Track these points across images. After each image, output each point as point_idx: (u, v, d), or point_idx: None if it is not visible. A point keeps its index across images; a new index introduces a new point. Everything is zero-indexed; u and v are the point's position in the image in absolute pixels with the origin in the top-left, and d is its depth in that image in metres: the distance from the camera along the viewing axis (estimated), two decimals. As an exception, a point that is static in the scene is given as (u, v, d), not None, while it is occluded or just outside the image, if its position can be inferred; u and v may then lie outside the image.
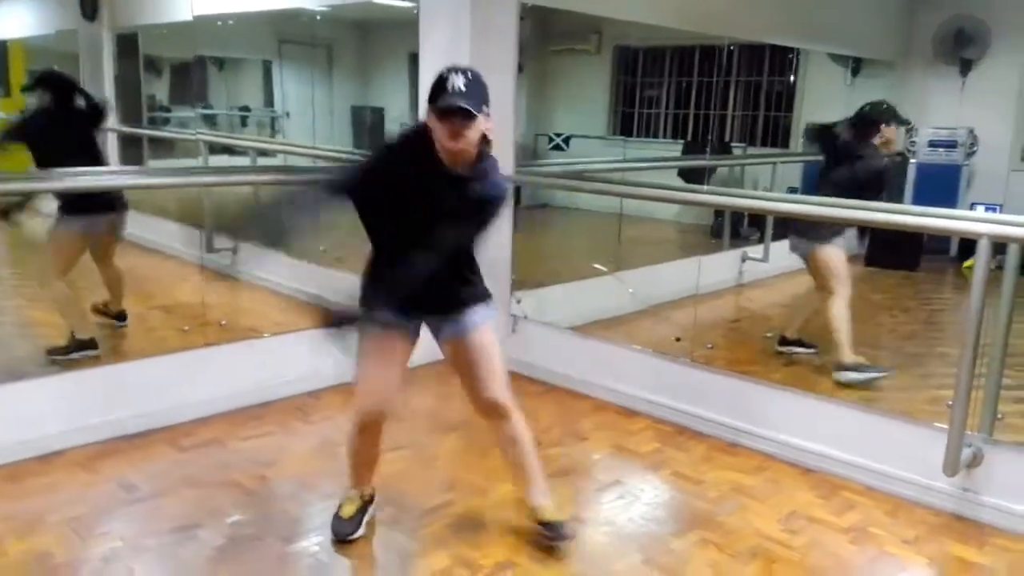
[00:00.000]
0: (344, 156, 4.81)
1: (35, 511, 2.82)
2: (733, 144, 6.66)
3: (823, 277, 4.07)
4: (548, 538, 2.70)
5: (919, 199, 5.78)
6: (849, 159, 3.94)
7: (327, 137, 5.37)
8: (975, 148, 6.31)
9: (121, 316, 4.19)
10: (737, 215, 5.79)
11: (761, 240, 5.44)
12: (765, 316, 5.30)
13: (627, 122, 7.12)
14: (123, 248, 4.20)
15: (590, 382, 4.16)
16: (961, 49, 6.38)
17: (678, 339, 4.14)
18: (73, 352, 3.73)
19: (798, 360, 4.25)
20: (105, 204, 3.93)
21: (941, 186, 6.14)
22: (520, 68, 4.32)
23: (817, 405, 3.48)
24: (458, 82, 2.24)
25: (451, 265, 2.46)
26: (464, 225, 2.39)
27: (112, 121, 5.32)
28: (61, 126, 3.89)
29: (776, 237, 5.26)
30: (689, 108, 6.78)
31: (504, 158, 4.31)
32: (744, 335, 4.86)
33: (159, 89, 5.84)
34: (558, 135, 6.48)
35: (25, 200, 3.74)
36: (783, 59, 6.64)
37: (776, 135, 6.68)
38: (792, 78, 6.69)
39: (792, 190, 6.08)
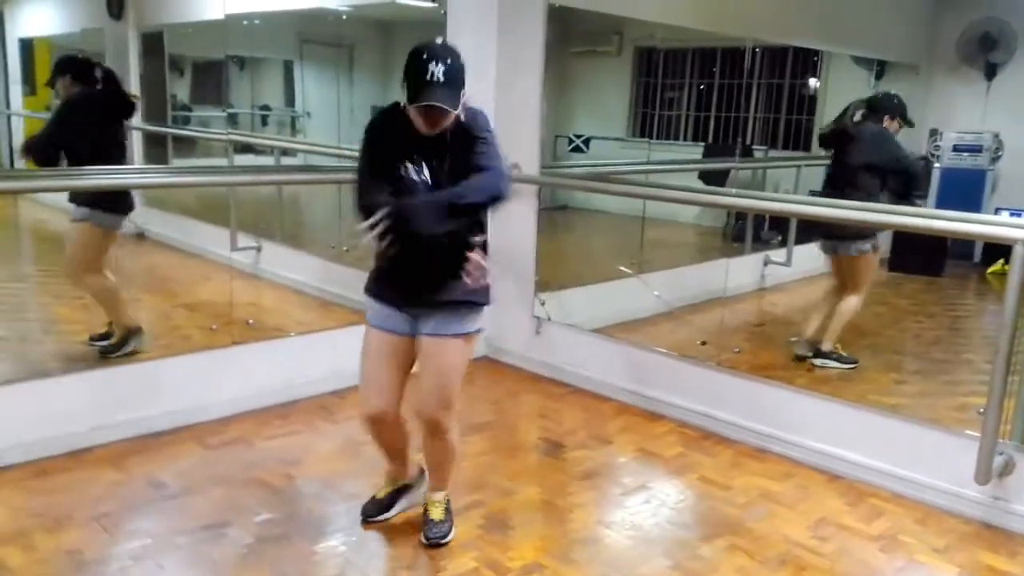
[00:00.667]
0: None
1: (64, 508, 2.83)
2: (754, 147, 6.62)
3: (853, 280, 4.08)
4: (424, 533, 2.72)
5: (943, 203, 5.73)
6: (860, 139, 3.97)
7: (348, 136, 5.38)
8: (1000, 153, 6.25)
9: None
10: (758, 218, 5.76)
11: (783, 244, 5.41)
12: (789, 320, 5.27)
13: (647, 124, 7.09)
14: (146, 246, 4.22)
15: (614, 384, 4.15)
16: (986, 53, 6.32)
17: (703, 343, 4.12)
18: (126, 345, 3.73)
19: (824, 365, 4.22)
20: (130, 203, 3.93)
21: (966, 191, 6.08)
22: (542, 69, 4.32)
23: (845, 411, 3.45)
24: (437, 71, 2.22)
25: (448, 248, 2.42)
26: (459, 162, 2.37)
27: (137, 119, 5.35)
28: (93, 111, 3.79)
29: (799, 241, 5.24)
30: (710, 110, 6.74)
31: (530, 160, 4.33)
32: (768, 339, 4.83)
33: (180, 88, 5.87)
34: (578, 136, 6.47)
35: None
36: (806, 61, 6.60)
37: (798, 138, 6.63)
38: (815, 81, 6.65)
39: (814, 193, 6.04)
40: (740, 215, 5.90)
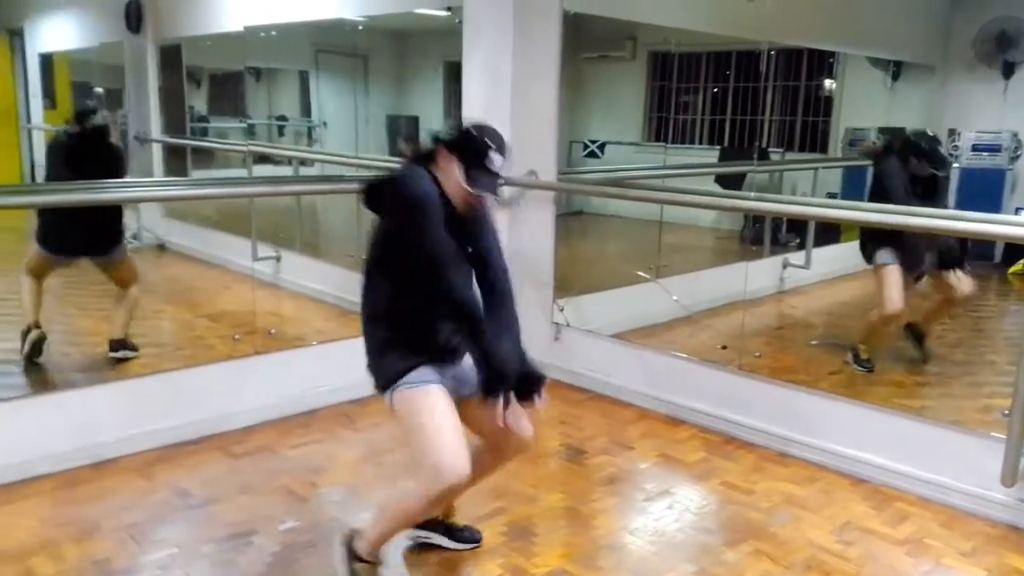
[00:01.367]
0: (382, 164, 4.84)
1: (92, 517, 2.87)
2: (771, 149, 6.60)
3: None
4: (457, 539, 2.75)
5: (963, 204, 5.68)
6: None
7: (364, 146, 5.42)
8: (1019, 152, 6.20)
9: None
10: (776, 221, 5.74)
11: (801, 247, 5.39)
12: (809, 323, 5.25)
13: (663, 128, 7.08)
14: (167, 257, 4.26)
15: (633, 390, 4.15)
16: (1003, 52, 6.28)
17: (724, 347, 4.11)
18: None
19: (845, 368, 4.20)
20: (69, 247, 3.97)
21: (985, 190, 6.03)
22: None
23: (868, 414, 3.43)
24: (498, 163, 2.32)
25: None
26: (482, 246, 2.45)
27: (156, 132, 5.41)
28: (68, 161, 3.90)
29: (817, 243, 5.22)
30: (725, 114, 6.73)
31: (547, 166, 4.34)
32: (789, 343, 4.82)
33: (197, 100, 5.93)
34: (593, 142, 6.48)
35: None
36: (821, 63, 6.57)
37: (815, 140, 6.61)
38: (831, 82, 6.62)
39: (832, 195, 6.02)
40: (758, 218, 5.88)
